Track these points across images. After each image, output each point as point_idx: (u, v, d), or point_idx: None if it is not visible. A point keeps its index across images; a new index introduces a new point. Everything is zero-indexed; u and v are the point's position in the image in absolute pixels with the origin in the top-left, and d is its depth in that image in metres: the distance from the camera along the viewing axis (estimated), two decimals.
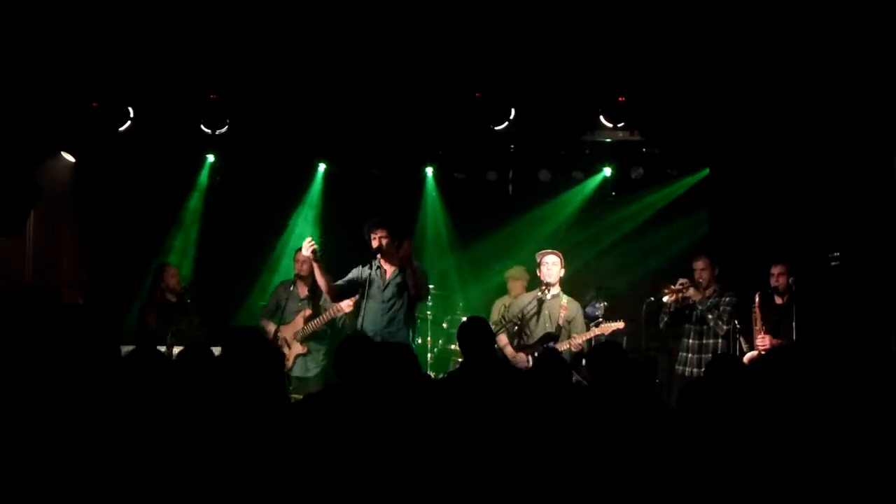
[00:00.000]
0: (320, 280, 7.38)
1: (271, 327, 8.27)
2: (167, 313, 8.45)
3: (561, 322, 7.92)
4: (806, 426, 3.53)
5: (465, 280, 10.07)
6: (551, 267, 8.00)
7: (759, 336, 7.62)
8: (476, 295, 9.84)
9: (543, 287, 8.03)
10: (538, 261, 8.13)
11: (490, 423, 3.86)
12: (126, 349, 4.94)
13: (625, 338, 8.68)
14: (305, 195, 10.09)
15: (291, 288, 8.23)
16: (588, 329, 7.98)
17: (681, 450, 3.47)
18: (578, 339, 7.80)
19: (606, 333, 7.99)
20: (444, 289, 9.60)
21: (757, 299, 7.80)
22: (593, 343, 7.89)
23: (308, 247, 7.24)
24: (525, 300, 8.21)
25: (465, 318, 6.20)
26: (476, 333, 5.49)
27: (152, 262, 9.19)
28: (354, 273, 7.42)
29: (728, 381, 3.91)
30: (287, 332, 8.20)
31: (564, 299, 8.03)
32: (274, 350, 4.84)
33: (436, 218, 10.22)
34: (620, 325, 8.01)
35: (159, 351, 4.59)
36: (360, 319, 7.28)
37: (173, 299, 8.66)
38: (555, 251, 8.10)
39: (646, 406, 4.02)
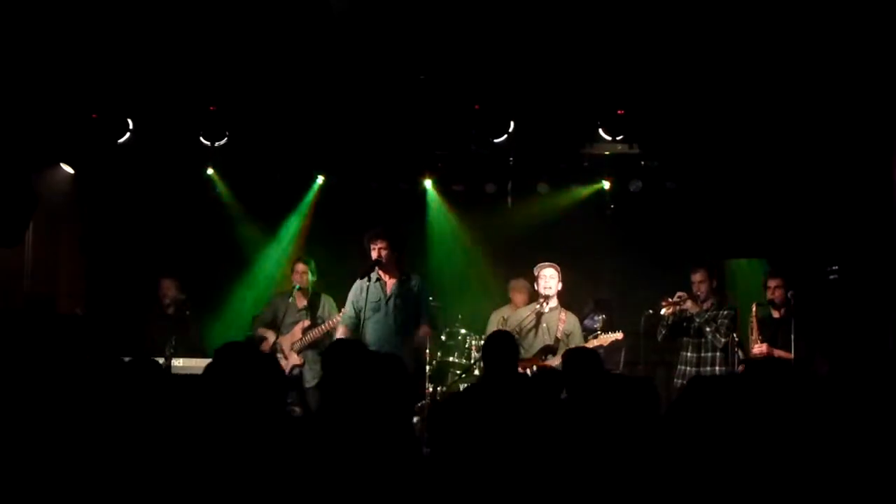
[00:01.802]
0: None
1: (271, 335, 8.26)
2: (167, 325, 8.45)
3: (559, 335, 7.91)
4: (802, 440, 3.53)
5: (464, 292, 10.05)
6: (549, 280, 8.01)
7: (756, 345, 7.63)
8: (475, 307, 9.82)
9: (541, 300, 8.03)
10: (536, 274, 8.13)
11: (482, 436, 3.85)
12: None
13: (623, 350, 8.68)
14: (303, 207, 10.09)
15: (290, 299, 8.21)
16: (586, 341, 7.96)
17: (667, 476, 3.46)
18: None
19: (605, 345, 7.98)
20: (443, 301, 9.58)
21: (753, 311, 7.80)
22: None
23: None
24: (523, 313, 8.20)
25: (492, 332, 6.20)
26: (499, 348, 5.39)
27: (151, 273, 9.18)
28: (353, 296, 7.38)
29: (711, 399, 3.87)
30: (285, 343, 8.20)
31: (563, 313, 8.02)
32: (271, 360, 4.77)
33: (438, 230, 10.23)
34: (619, 335, 7.99)
35: (156, 361, 4.57)
36: (361, 333, 7.22)
37: (172, 311, 8.66)
38: (552, 264, 8.09)
39: (635, 427, 3.96)
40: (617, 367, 8.60)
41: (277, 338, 8.02)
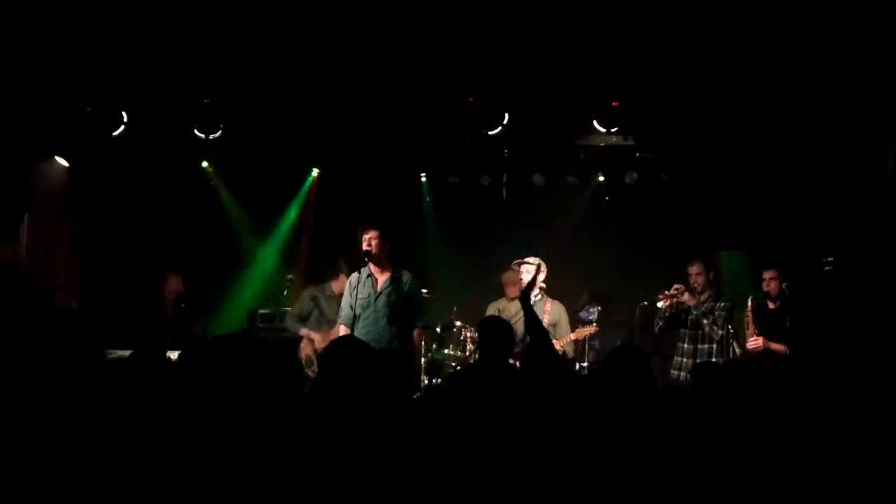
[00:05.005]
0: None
1: (316, 336, 8.04)
2: (165, 319, 8.41)
3: (545, 325, 7.90)
4: (797, 431, 3.54)
5: (459, 284, 10.06)
6: (523, 275, 8.01)
7: (752, 339, 7.63)
8: (470, 299, 9.82)
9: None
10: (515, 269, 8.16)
11: (480, 423, 3.86)
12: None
13: (618, 343, 8.68)
14: (298, 200, 10.09)
15: (329, 293, 8.04)
16: (572, 331, 8.06)
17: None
18: (557, 344, 7.75)
19: (579, 339, 8.08)
20: (438, 293, 9.58)
21: (750, 304, 7.81)
22: (582, 345, 7.95)
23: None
24: (514, 306, 8.21)
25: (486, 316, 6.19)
26: (495, 333, 5.43)
27: (146, 266, 9.16)
28: (347, 291, 7.22)
29: (713, 389, 3.89)
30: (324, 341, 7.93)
31: (548, 303, 8.01)
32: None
33: (433, 222, 10.23)
34: (593, 328, 8.12)
35: (161, 355, 4.57)
36: (354, 330, 7.01)
37: (171, 307, 8.59)
38: (527, 259, 8.07)
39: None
40: None
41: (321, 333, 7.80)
